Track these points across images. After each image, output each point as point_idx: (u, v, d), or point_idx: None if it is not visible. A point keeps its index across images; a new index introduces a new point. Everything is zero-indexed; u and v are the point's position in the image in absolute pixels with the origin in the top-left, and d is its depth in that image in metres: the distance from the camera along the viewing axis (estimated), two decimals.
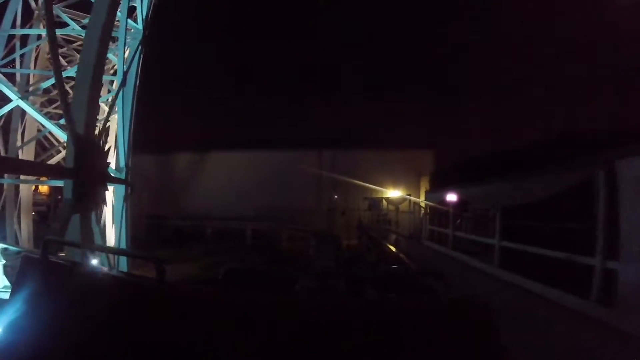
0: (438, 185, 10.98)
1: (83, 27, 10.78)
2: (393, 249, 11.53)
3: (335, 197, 26.28)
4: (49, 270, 1.71)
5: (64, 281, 1.65)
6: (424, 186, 23.58)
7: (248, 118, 33.96)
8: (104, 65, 6.59)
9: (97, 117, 6.72)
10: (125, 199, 9.27)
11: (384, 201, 21.93)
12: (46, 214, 23.01)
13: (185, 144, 28.66)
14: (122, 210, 9.24)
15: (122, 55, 10.48)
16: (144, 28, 10.78)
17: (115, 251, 8.87)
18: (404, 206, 16.29)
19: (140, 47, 10.42)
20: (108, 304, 1.49)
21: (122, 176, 9.44)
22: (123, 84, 9.44)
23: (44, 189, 25.04)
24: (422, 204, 13.38)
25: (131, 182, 9.74)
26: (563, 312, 4.10)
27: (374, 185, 24.46)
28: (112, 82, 12.81)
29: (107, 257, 6.39)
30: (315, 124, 32.22)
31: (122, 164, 9.66)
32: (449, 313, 1.42)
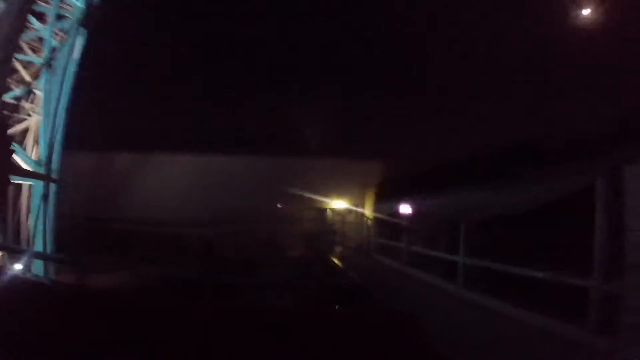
0: (388, 196, 10.35)
1: None
2: (338, 262, 10.75)
3: (279, 206, 25.17)
4: None
5: None
6: (370, 197, 23.44)
7: (196, 120, 31.55)
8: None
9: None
10: (44, 197, 8.72)
11: (329, 211, 21.23)
12: None
13: (128, 143, 25.91)
14: (38, 208, 8.56)
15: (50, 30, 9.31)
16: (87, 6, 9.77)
17: (40, 255, 7.93)
18: (350, 217, 15.71)
19: (78, 28, 9.45)
20: (27, 310, 1.42)
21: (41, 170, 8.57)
22: (47, 65, 8.87)
23: None
24: (370, 216, 12.82)
25: (55, 177, 9.15)
26: (555, 344, 3.45)
27: (319, 195, 23.85)
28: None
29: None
30: (263, 132, 30.82)
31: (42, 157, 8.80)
32: (377, 323, 1.49)
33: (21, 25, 6.30)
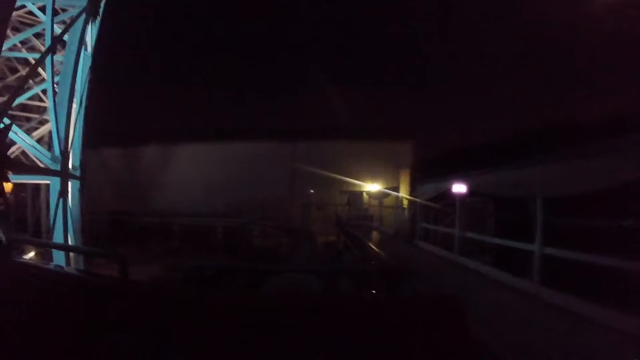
0: (434, 175, 8.88)
1: None
2: (376, 249, 9.56)
3: (311, 191, 24.38)
4: (15, 271, 1.66)
5: (30, 282, 1.60)
6: (411, 178, 21.98)
7: (217, 109, 31.61)
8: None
9: None
10: (62, 193, 8.30)
11: (365, 195, 19.98)
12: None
13: (151, 136, 26.38)
14: (56, 205, 8.09)
15: (50, 13, 8.48)
16: None
17: (77, 249, 8.34)
18: (388, 201, 14.31)
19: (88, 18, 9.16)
20: (73, 304, 1.44)
21: (57, 167, 8.15)
22: (52, 50, 8.05)
23: None
24: (408, 198, 11.42)
25: (72, 174, 9.02)
26: None
27: (352, 178, 22.85)
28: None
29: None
30: (289, 115, 30.15)
31: (57, 152, 8.33)
32: (419, 309, 1.42)
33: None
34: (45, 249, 7.70)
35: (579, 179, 4.38)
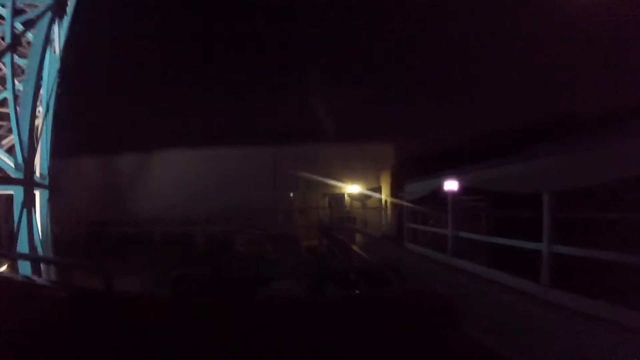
0: (420, 174, 8.54)
1: None
2: (363, 252, 9.13)
3: (292, 194, 23.89)
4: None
5: (12, 295, 1.56)
6: (395, 178, 21.80)
7: (196, 114, 30.64)
8: None
9: None
10: (26, 203, 7.84)
11: (347, 197, 19.60)
12: None
13: (127, 144, 25.24)
14: (22, 216, 7.64)
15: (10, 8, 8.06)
16: None
17: (58, 261, 7.61)
18: (372, 202, 13.92)
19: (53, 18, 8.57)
20: (58, 318, 1.42)
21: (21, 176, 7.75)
22: (11, 48, 7.67)
23: None
24: (397, 198, 11.07)
25: (40, 183, 8.80)
26: None
27: (334, 180, 22.56)
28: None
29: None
30: (267, 118, 29.55)
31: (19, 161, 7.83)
32: (406, 304, 1.42)
33: None
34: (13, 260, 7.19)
35: (594, 170, 4.02)
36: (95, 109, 26.68)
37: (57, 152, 10.37)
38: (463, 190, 6.70)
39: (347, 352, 1.26)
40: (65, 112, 10.93)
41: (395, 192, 11.06)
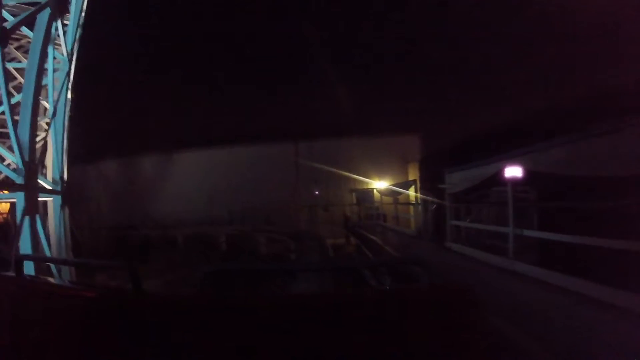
0: (463, 162, 7.19)
1: None
2: (397, 253, 7.97)
3: (316, 192, 22.94)
4: (25, 289, 1.65)
5: (42, 299, 1.58)
6: (418, 171, 20.64)
7: (213, 113, 30.43)
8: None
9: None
10: (28, 210, 7.35)
11: (376, 192, 18.36)
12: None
13: (146, 146, 25.41)
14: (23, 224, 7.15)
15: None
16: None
17: (84, 263, 7.72)
18: (405, 197, 12.59)
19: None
20: (88, 320, 1.42)
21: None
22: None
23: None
24: (434, 191, 9.75)
25: (49, 189, 8.79)
26: None
27: (360, 175, 21.45)
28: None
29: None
30: (288, 114, 28.78)
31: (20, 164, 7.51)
32: (431, 299, 1.41)
33: None
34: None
35: None
36: (112, 111, 26.80)
37: (72, 156, 10.30)
38: (527, 177, 5.35)
39: (371, 348, 1.24)
40: (78, 114, 10.80)
41: (431, 184, 9.72)
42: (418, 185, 10.21)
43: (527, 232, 5.39)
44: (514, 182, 5.40)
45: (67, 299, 1.51)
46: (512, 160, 5.38)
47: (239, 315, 1.31)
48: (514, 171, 5.23)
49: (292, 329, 1.27)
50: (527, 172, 5.25)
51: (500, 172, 5.58)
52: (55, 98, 9.19)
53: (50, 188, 8.92)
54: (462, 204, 7.67)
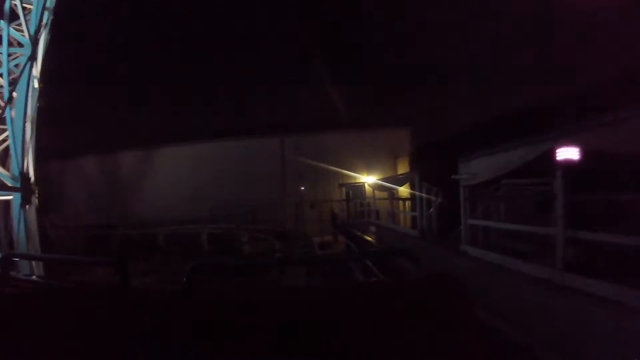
0: (488, 147, 5.83)
1: None
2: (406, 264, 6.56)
3: (302, 188, 21.60)
4: (12, 287, 1.62)
5: (29, 297, 1.56)
6: (402, 168, 19.64)
7: (197, 107, 29.16)
8: None
9: None
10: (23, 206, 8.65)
11: (367, 186, 17.07)
12: None
13: (125, 143, 24.05)
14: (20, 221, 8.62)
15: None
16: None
17: (72, 260, 6.27)
18: (403, 192, 11.24)
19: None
20: (77, 317, 1.40)
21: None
22: None
23: None
24: (424, 186, 8.47)
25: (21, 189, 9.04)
26: None
27: (351, 169, 20.27)
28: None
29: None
30: (273, 108, 27.67)
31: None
32: (420, 289, 1.40)
33: None
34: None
35: None
36: (87, 108, 25.12)
37: (39, 153, 10.00)
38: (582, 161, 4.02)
39: (360, 340, 1.24)
40: (46, 112, 10.40)
41: (437, 177, 8.38)
42: (418, 178, 8.88)
43: (583, 235, 4.06)
44: (567, 168, 4.06)
45: (53, 295, 1.51)
46: (564, 139, 4.04)
47: (226, 309, 1.31)
48: (568, 153, 3.89)
49: (281, 322, 1.26)
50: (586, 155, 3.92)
51: (544, 155, 4.24)
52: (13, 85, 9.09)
53: (9, 185, 8.74)
54: (483, 199, 6.34)
